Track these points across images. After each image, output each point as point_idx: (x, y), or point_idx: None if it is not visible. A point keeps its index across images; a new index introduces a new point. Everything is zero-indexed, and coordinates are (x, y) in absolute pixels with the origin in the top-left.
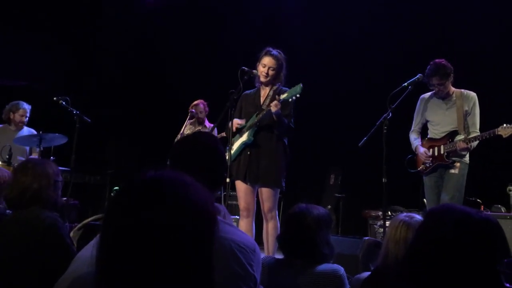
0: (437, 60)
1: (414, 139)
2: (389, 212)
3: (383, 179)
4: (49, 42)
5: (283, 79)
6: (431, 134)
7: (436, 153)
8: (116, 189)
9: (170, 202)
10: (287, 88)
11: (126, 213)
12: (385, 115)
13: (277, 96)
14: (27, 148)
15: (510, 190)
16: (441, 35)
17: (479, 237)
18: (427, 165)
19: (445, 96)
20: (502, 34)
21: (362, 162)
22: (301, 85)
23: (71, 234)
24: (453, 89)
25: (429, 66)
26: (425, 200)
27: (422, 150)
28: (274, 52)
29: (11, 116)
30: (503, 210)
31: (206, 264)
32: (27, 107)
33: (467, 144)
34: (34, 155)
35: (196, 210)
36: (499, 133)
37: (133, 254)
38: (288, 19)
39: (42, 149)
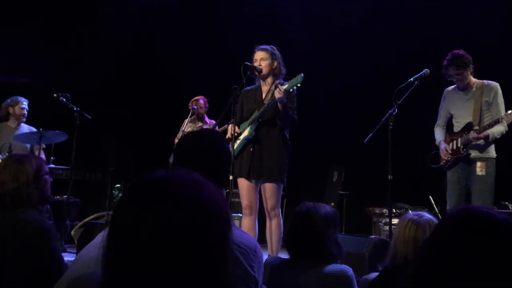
0: (454, 51)
1: (438, 134)
2: (394, 210)
3: (389, 176)
4: (48, 39)
5: (283, 73)
6: (454, 127)
7: (454, 147)
8: (118, 187)
9: (183, 202)
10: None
11: (137, 213)
12: (390, 111)
13: (279, 86)
14: (28, 145)
15: None
16: (447, 29)
17: (495, 238)
18: (448, 159)
19: (465, 88)
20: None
21: (365, 159)
22: (302, 74)
23: (72, 232)
24: (474, 80)
25: (446, 57)
26: (447, 196)
27: (443, 146)
28: (261, 46)
29: (11, 111)
30: (510, 208)
31: (220, 266)
32: (25, 100)
33: (478, 133)
34: (37, 153)
35: (211, 209)
36: (503, 120)
37: (144, 255)
38: (290, 13)
39: (44, 146)
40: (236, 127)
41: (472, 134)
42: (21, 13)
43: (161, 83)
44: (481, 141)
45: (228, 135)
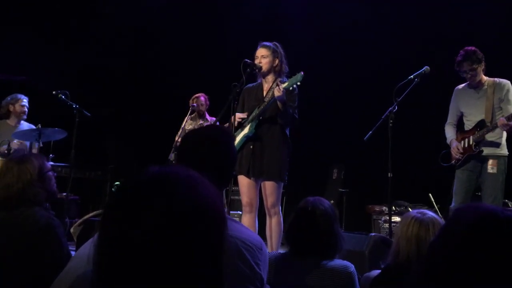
0: (467, 47)
1: (449, 132)
2: (394, 207)
3: (389, 174)
4: (48, 36)
5: (286, 71)
6: (465, 126)
7: (466, 145)
8: (117, 184)
9: (177, 200)
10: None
11: (128, 211)
12: (390, 108)
13: (278, 83)
14: (27, 143)
15: None
16: (447, 28)
17: (504, 238)
18: (459, 157)
19: (477, 85)
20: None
21: (365, 157)
22: (302, 73)
23: (71, 230)
24: (485, 78)
25: (459, 53)
26: (453, 193)
27: (454, 144)
28: (264, 43)
29: (11, 109)
30: (510, 206)
31: (215, 266)
32: (25, 97)
33: (508, 120)
34: (34, 151)
35: (205, 208)
36: None
37: (135, 256)
38: (290, 10)
39: (41, 145)
40: (241, 114)
41: (502, 121)
42: (21, 13)
43: (163, 81)
44: (507, 129)
45: (235, 124)
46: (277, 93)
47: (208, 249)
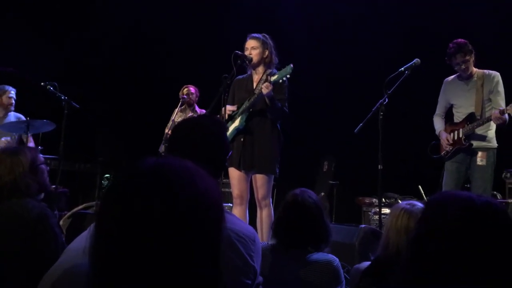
0: (457, 40)
1: (437, 123)
2: (384, 199)
3: (379, 166)
4: (37, 28)
5: (275, 62)
6: (454, 118)
7: (455, 137)
8: (108, 177)
9: (175, 191)
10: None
11: (126, 204)
12: (381, 100)
13: (268, 77)
14: (16, 136)
15: (505, 177)
16: (438, 18)
17: (483, 223)
18: (448, 149)
19: (467, 77)
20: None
21: (355, 149)
22: (291, 65)
23: (61, 222)
24: (475, 69)
25: (450, 45)
26: (442, 185)
27: (444, 136)
28: (253, 34)
29: None
30: (498, 197)
31: (215, 265)
32: (13, 89)
33: (501, 114)
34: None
35: (203, 199)
36: (507, 111)
37: (133, 249)
38: (282, 4)
39: (30, 135)
40: (231, 107)
41: (496, 114)
42: (20, 13)
43: (153, 73)
44: (501, 122)
45: (226, 116)
46: (265, 90)
47: (208, 248)
